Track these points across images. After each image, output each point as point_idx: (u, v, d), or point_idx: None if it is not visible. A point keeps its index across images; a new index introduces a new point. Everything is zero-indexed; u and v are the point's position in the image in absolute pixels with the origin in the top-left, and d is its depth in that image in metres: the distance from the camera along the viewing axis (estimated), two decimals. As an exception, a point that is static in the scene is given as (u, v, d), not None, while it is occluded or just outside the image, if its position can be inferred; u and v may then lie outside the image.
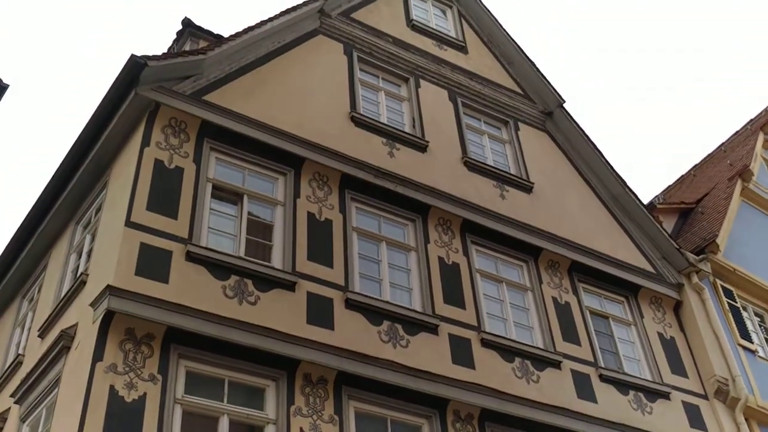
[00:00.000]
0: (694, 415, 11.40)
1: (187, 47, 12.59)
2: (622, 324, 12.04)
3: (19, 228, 11.04)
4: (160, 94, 9.36)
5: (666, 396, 11.31)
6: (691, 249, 13.55)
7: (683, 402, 11.46)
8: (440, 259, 10.57)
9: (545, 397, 9.94)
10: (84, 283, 8.68)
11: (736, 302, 13.43)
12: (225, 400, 7.89)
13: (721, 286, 13.33)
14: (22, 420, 8.70)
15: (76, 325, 8.25)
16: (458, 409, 9.19)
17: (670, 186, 19.26)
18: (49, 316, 9.27)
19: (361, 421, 8.60)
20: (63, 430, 7.29)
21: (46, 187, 10.50)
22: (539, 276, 11.44)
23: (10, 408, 9.14)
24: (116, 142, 9.65)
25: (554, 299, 11.31)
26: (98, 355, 7.41)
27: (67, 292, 9.04)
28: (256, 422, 7.97)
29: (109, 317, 7.58)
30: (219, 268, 8.58)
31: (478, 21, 14.61)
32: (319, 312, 8.97)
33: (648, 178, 42.31)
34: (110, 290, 7.65)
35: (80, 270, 9.30)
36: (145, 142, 9.10)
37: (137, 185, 8.71)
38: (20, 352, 9.99)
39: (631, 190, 13.46)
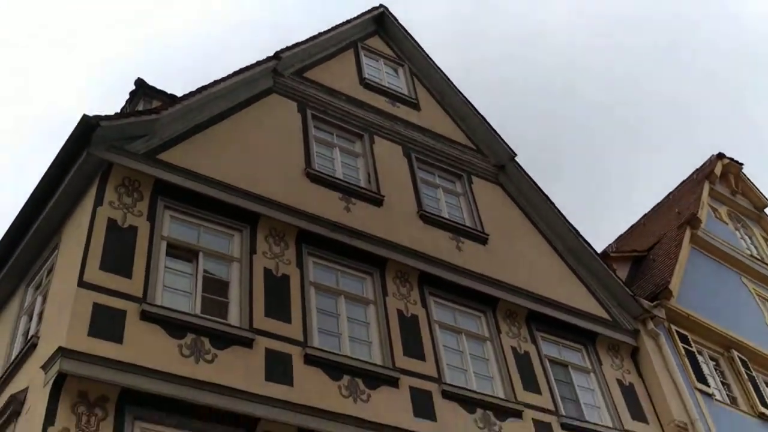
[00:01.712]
0: (656, 460, 11.44)
1: (140, 107, 12.62)
2: (581, 372, 12.10)
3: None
4: (113, 154, 9.34)
5: (628, 442, 11.34)
6: (645, 296, 13.77)
7: (645, 448, 11.50)
8: (399, 311, 10.56)
9: (508, 447, 9.89)
10: (35, 345, 8.46)
11: (692, 347, 13.61)
12: (182, 461, 7.69)
13: (676, 331, 13.51)
14: (-33, 491, 8.35)
15: (26, 389, 8.00)
16: (421, 463, 9.09)
17: (621, 235, 19.65)
18: (-2, 382, 8.99)
19: (323, 479, 8.44)
20: (12, 499, 7.02)
21: (-6, 251, 10.31)
22: (498, 326, 11.49)
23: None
24: (68, 201, 9.56)
25: (513, 349, 11.34)
26: (50, 420, 7.17)
27: (18, 356, 8.78)
28: (214, 483, 7.77)
29: (61, 380, 7.38)
30: (175, 326, 8.45)
31: (429, 79, 14.93)
32: (278, 368, 8.86)
33: (600, 227, 43.06)
34: (62, 352, 7.47)
35: (31, 332, 9.08)
36: (98, 201, 9.03)
37: (90, 245, 8.60)
38: (-33, 420, 9.62)
39: (584, 240, 13.69)
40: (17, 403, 7.91)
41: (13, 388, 8.38)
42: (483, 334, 11.34)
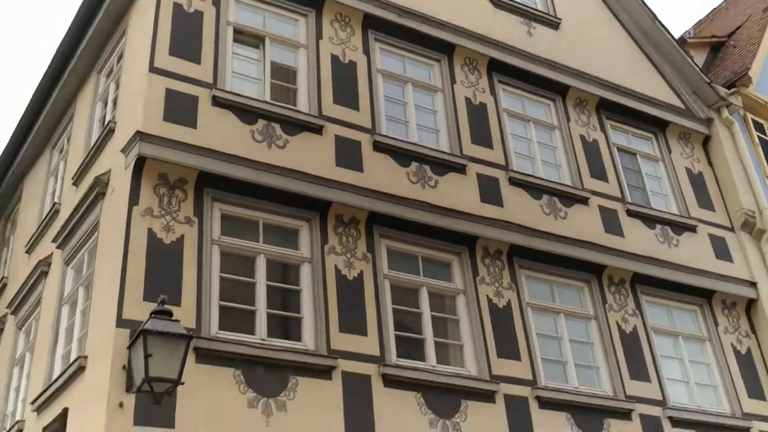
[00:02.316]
0: (720, 246, 11.54)
1: None
2: (649, 160, 12.01)
3: (41, 78, 11.00)
4: (172, -66, 8.98)
5: (692, 229, 11.42)
6: (721, 83, 13.26)
7: (709, 235, 11.57)
8: (467, 99, 10.43)
9: (573, 232, 10.06)
10: (113, 130, 8.70)
11: (767, 135, 13.27)
12: (260, 240, 8.07)
13: (752, 119, 13.13)
14: (66, 263, 8.97)
15: (109, 171, 8.33)
16: (487, 245, 9.35)
17: (701, 20, 18.58)
18: (81, 164, 9.35)
19: (394, 259, 8.79)
20: (107, 271, 7.53)
21: (64, 37, 10.33)
22: (567, 114, 11.31)
23: (53, 253, 9.41)
24: (132, -14, 9.39)
25: (582, 137, 11.23)
26: (134, 200, 7.52)
27: (97, 140, 9.07)
28: (291, 261, 8.18)
29: (140, 163, 7.64)
30: (246, 112, 8.53)
31: None
32: (348, 154, 8.97)
33: (679, 12, 40.79)
34: (140, 136, 7.67)
35: (107, 118, 9.30)
36: (161, -15, 8.83)
37: (157, 30, 8.52)
38: (56, 200, 10.17)
39: (661, 24, 13.03)
40: (102, 185, 8.28)
41: (96, 171, 8.73)
42: (552, 122, 11.21)
